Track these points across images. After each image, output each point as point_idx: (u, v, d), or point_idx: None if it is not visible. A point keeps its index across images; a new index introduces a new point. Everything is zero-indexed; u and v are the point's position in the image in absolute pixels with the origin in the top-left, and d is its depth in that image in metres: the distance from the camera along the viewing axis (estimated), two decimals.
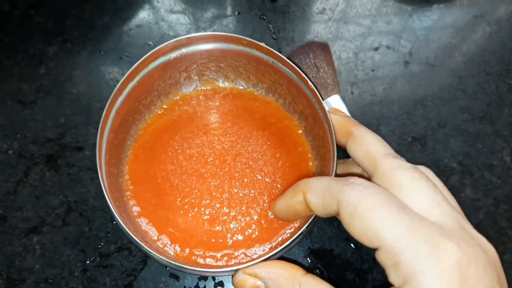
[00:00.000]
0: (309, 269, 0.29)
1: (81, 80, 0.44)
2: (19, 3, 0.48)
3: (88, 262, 0.36)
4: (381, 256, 0.20)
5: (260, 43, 0.35)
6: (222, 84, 0.41)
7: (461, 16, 0.50)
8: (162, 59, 0.36)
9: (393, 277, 0.19)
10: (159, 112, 0.39)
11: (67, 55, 0.45)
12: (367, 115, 0.44)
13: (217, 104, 0.40)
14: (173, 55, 0.36)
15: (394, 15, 0.50)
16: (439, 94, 0.45)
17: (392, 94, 0.45)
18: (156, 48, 0.34)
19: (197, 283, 0.36)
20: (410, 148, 0.42)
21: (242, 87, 0.41)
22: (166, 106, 0.40)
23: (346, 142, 0.29)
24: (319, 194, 0.23)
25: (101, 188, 0.29)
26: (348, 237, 0.38)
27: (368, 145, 0.26)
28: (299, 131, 0.39)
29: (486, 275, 0.19)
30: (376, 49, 0.47)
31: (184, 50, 0.36)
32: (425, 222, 0.19)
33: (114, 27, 0.47)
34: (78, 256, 0.36)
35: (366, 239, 0.20)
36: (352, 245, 0.38)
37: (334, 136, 0.33)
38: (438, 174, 0.41)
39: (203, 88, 0.41)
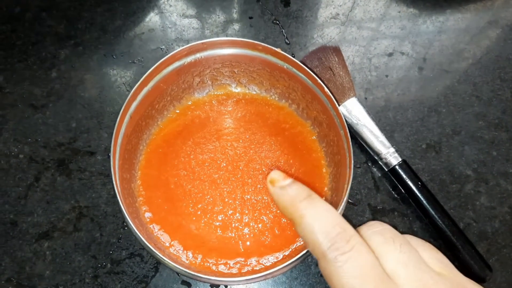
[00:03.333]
0: None
1: (93, 84, 0.43)
2: (30, 6, 0.47)
3: (99, 268, 0.35)
4: None
5: (276, 49, 0.35)
6: (235, 89, 0.41)
7: (475, 22, 0.50)
8: (176, 64, 0.36)
9: None
10: (172, 117, 0.39)
11: (79, 58, 0.45)
12: (380, 121, 0.43)
13: (230, 109, 0.40)
14: (188, 60, 0.36)
15: (408, 21, 0.49)
16: (453, 101, 0.45)
17: (406, 100, 0.45)
18: (171, 54, 0.34)
19: None
20: (425, 155, 0.42)
21: (255, 92, 0.41)
22: (178, 111, 0.39)
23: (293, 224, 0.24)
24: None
25: (113, 194, 0.29)
26: None
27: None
28: (312, 137, 0.39)
29: None
30: (390, 54, 0.47)
31: (198, 55, 0.36)
32: None
33: (126, 31, 0.46)
34: (89, 262, 0.36)
35: None
36: None
37: (350, 142, 0.32)
38: (453, 181, 0.41)
39: (216, 93, 0.41)
